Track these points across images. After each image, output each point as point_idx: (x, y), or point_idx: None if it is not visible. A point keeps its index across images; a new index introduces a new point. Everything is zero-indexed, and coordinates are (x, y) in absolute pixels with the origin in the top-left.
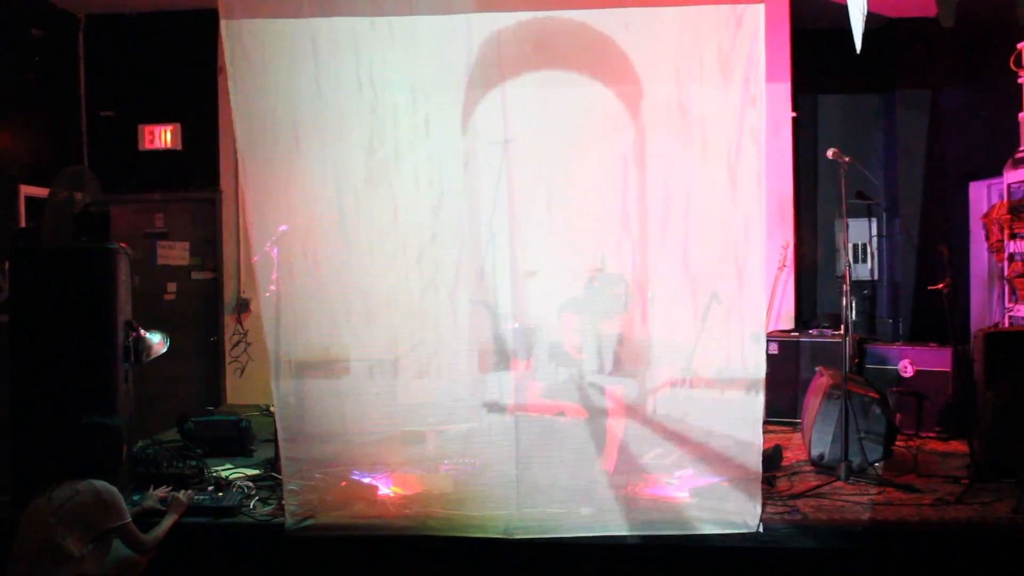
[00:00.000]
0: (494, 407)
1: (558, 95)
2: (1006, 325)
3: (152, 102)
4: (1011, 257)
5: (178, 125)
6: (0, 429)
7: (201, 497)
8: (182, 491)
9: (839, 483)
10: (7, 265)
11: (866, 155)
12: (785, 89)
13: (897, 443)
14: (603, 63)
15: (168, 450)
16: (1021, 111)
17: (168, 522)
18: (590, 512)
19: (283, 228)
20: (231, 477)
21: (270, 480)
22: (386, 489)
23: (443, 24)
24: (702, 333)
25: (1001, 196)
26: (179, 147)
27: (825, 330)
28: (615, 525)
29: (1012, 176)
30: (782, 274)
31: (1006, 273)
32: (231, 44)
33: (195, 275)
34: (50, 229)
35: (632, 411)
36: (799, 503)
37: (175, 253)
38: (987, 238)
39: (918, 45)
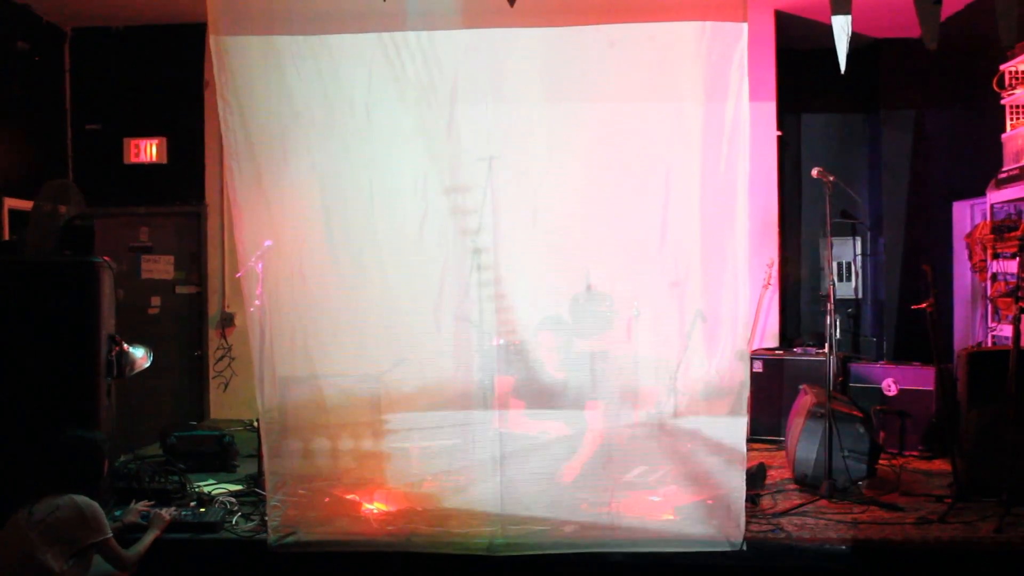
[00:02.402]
0: (478, 424)
1: (543, 112)
2: (989, 345)
3: (138, 116)
4: (994, 277)
5: (164, 139)
6: None
7: (183, 513)
8: (164, 508)
9: (823, 501)
10: None
11: (850, 175)
12: (770, 108)
13: (881, 462)
14: (588, 80)
15: (150, 465)
16: (1004, 132)
17: (149, 538)
18: (574, 529)
19: (268, 243)
20: (214, 492)
21: (253, 496)
22: (369, 505)
23: (430, 40)
24: (687, 350)
25: (984, 216)
26: (164, 161)
27: (809, 348)
28: (599, 542)
29: (995, 196)
30: (767, 292)
31: (989, 293)
32: (219, 60)
33: (179, 289)
34: (34, 242)
35: (616, 428)
36: (783, 521)
37: (159, 267)
38: (970, 258)
39: (902, 66)
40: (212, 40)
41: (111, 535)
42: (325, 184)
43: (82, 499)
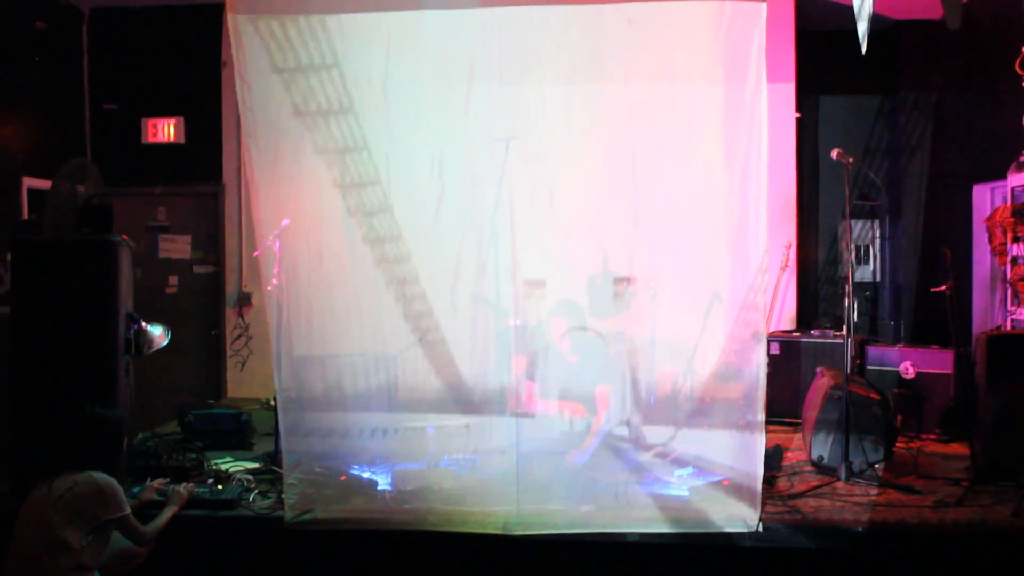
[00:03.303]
0: (495, 403)
1: (561, 93)
2: (1008, 328)
3: (155, 96)
4: (1014, 260)
5: (181, 119)
6: (0, 420)
7: (200, 490)
8: (182, 484)
9: (839, 483)
10: (8, 257)
11: (869, 157)
12: (789, 89)
13: (898, 444)
14: (605, 59)
15: (168, 443)
16: None
17: (167, 514)
18: (589, 509)
19: (286, 222)
20: (231, 470)
21: (270, 474)
22: (385, 484)
23: (447, 19)
24: (704, 332)
25: (1005, 199)
26: (182, 141)
27: (827, 331)
28: (614, 523)
29: (1016, 179)
30: (784, 274)
31: (1009, 276)
32: (237, 39)
33: (197, 269)
34: (52, 221)
35: (632, 409)
36: (799, 503)
37: (177, 247)
38: (990, 241)
39: (923, 47)
40: (230, 19)
41: (129, 511)
42: (342, 163)
43: (100, 476)
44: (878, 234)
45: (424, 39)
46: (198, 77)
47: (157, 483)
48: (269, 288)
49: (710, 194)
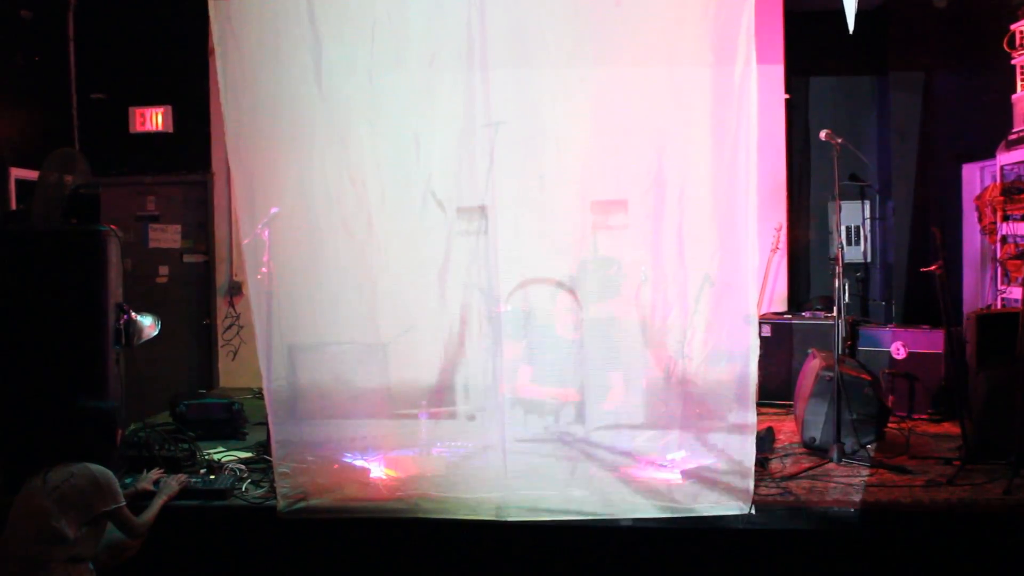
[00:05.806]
0: (486, 390)
1: (548, 76)
2: (998, 307)
3: (143, 84)
4: (1004, 239)
5: (169, 107)
6: None
7: (193, 480)
8: (174, 476)
9: (831, 465)
10: None
11: (859, 137)
12: (778, 71)
13: (889, 425)
14: (594, 42)
15: (160, 433)
16: (1014, 92)
17: (157, 505)
18: (582, 495)
19: (275, 210)
20: (223, 460)
21: (262, 463)
22: (378, 472)
23: (433, 3)
24: (695, 315)
25: (994, 178)
26: (170, 129)
27: (818, 312)
28: (607, 508)
29: (1005, 158)
30: (775, 256)
31: (999, 255)
32: (220, 25)
33: (187, 258)
34: (40, 212)
35: (624, 394)
36: (791, 485)
37: (167, 236)
38: (980, 220)
39: (911, 26)
40: (212, 4)
41: (124, 503)
42: (328, 150)
43: (96, 467)
44: (868, 214)
45: (410, 23)
46: (186, 65)
47: (155, 474)
48: (259, 276)
49: (700, 177)
